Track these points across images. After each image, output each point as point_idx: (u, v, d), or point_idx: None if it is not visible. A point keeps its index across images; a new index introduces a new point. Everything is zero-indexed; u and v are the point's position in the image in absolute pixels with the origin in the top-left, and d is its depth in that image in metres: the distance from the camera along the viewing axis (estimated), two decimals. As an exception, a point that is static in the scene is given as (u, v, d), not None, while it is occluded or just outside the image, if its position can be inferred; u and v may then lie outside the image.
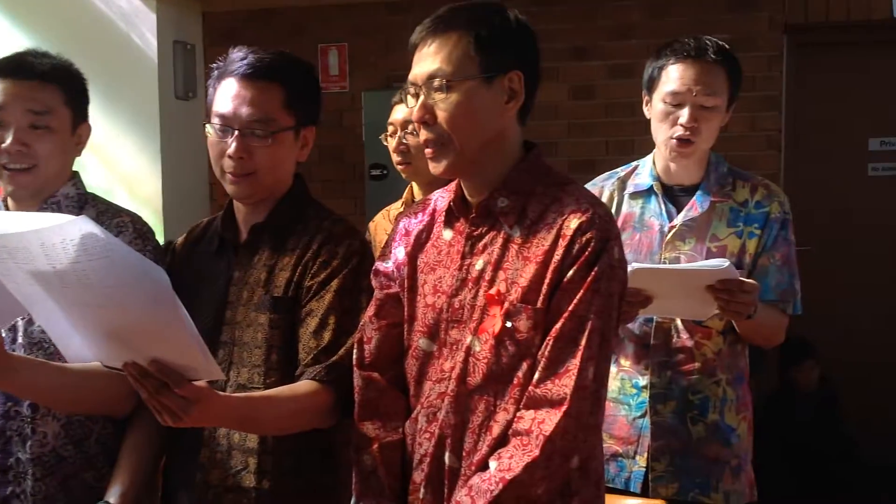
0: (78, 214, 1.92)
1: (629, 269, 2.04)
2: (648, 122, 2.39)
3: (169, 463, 1.95)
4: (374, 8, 5.43)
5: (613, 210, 2.40)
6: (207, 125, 1.89)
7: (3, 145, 1.90)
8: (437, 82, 1.63)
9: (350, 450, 1.82)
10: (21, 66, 1.94)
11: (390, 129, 3.00)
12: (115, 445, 1.97)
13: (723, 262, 2.11)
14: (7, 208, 2.00)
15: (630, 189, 2.41)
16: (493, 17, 1.66)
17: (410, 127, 2.89)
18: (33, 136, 1.92)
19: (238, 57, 1.88)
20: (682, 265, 2.25)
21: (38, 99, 1.93)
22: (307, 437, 1.81)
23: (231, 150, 1.83)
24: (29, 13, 4.77)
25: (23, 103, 1.92)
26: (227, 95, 1.86)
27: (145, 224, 2.02)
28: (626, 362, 2.38)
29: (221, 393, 1.67)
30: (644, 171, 2.42)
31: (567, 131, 5.14)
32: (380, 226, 3.09)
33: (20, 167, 1.92)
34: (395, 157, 2.98)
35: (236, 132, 1.83)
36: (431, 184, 2.87)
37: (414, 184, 3.02)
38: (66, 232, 1.35)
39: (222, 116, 1.85)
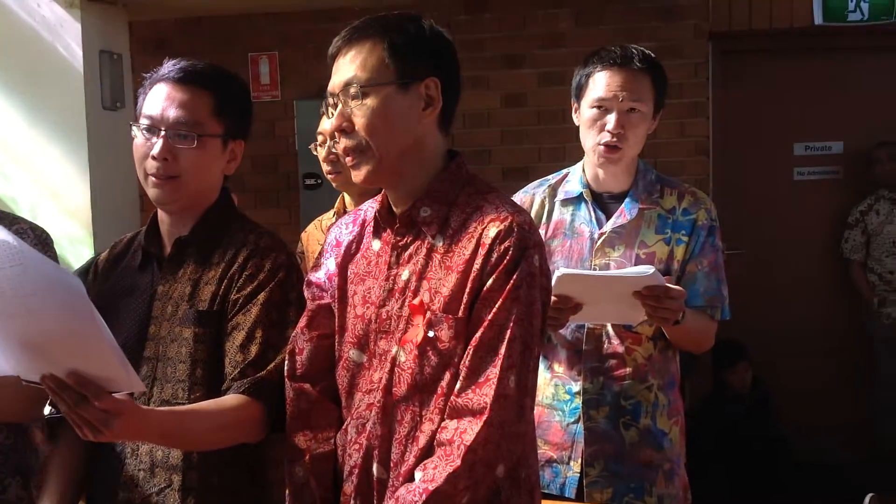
0: None
1: (557, 273, 2.07)
2: (579, 128, 2.42)
3: (90, 480, 1.91)
4: (303, 16, 5.41)
5: (545, 217, 2.41)
6: (134, 127, 1.88)
7: None
8: (352, 89, 1.63)
9: (276, 465, 1.81)
10: None
11: (320, 138, 2.99)
12: (17, 454, 1.97)
13: (648, 269, 2.13)
14: None
15: (561, 196, 2.43)
16: (407, 25, 1.67)
17: (334, 129, 2.88)
18: None
19: (170, 64, 1.89)
20: (609, 272, 2.28)
21: None
22: (234, 453, 1.79)
23: (155, 150, 1.82)
24: (-51, 22, 4.65)
25: None
26: (156, 98, 1.86)
27: (44, 231, 2.02)
28: (559, 368, 2.39)
29: (145, 407, 1.65)
30: (574, 179, 2.44)
31: (500, 139, 5.17)
32: (312, 236, 3.07)
33: None
34: (325, 167, 2.96)
35: (162, 133, 1.82)
36: (362, 194, 2.86)
37: (345, 194, 3.01)
38: None
39: (150, 118, 1.85)
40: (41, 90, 4.55)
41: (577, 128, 2.42)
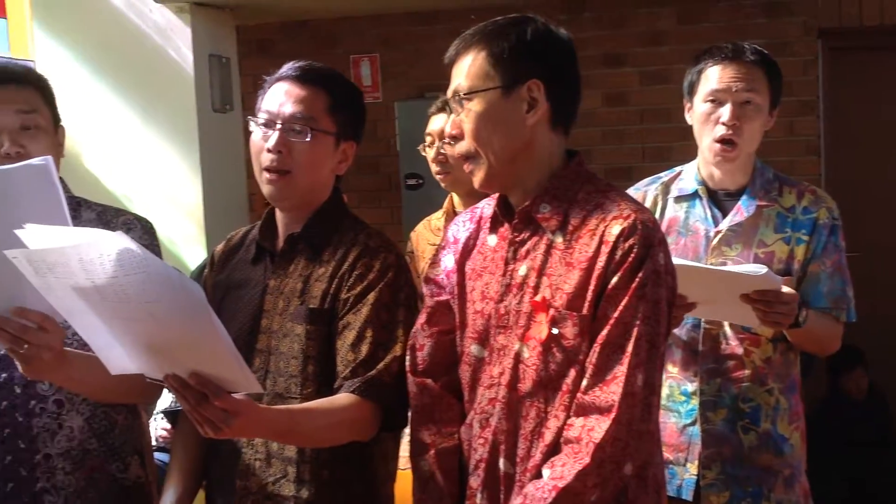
0: (75, 218, 1.97)
1: None
2: (684, 128, 2.39)
3: (210, 468, 1.97)
4: (403, 18, 5.46)
5: (657, 215, 2.39)
6: (252, 122, 1.93)
7: (2, 150, 1.92)
8: (459, 97, 1.68)
9: (385, 460, 1.87)
10: None
11: (428, 139, 3.01)
12: (136, 435, 2.05)
13: (760, 269, 2.08)
14: None
15: (674, 193, 2.40)
16: (509, 30, 1.69)
17: (447, 137, 2.90)
18: (26, 137, 1.95)
19: (291, 64, 1.94)
20: (719, 267, 2.24)
21: (21, 99, 1.97)
22: (344, 448, 1.82)
23: (271, 143, 1.87)
24: (67, 30, 4.83)
25: (9, 105, 1.95)
26: (275, 95, 1.91)
27: (149, 221, 2.10)
28: (673, 369, 2.36)
29: (261, 406, 1.68)
30: (688, 176, 2.41)
31: (601, 138, 5.14)
32: (421, 236, 3.10)
33: None
34: (434, 168, 2.99)
35: (278, 126, 1.87)
36: (471, 193, 2.88)
37: (454, 194, 3.03)
38: (102, 247, 1.37)
39: (268, 112, 1.90)
40: (154, 93, 4.69)
41: (681, 127, 2.39)
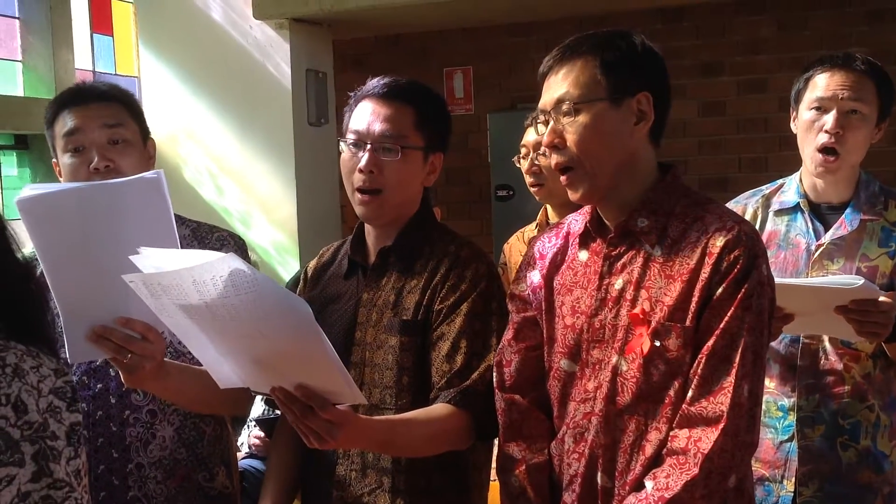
0: None
1: None
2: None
3: (306, 478, 2.01)
4: (496, 31, 5.49)
5: (757, 227, 2.35)
6: (342, 142, 1.96)
7: (91, 164, 1.97)
8: (564, 106, 1.66)
9: (478, 469, 1.87)
10: (83, 92, 2.05)
11: (523, 150, 3.01)
12: (223, 445, 2.09)
13: (856, 280, 2.03)
14: None
15: (775, 206, 2.36)
16: (618, 41, 1.68)
17: (543, 148, 2.90)
18: (114, 151, 1.99)
19: (375, 81, 1.96)
20: (812, 280, 2.19)
21: (108, 114, 2.01)
22: (439, 458, 1.84)
23: (362, 163, 1.89)
24: (171, 47, 5.00)
25: (97, 121, 1.99)
26: (362, 114, 1.93)
27: (241, 238, 2.14)
28: (770, 384, 2.31)
29: (363, 417, 1.71)
30: (790, 189, 2.36)
31: (697, 148, 5.07)
32: (514, 247, 3.10)
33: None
34: (528, 179, 2.98)
35: (368, 146, 1.89)
36: (565, 205, 2.87)
37: (548, 206, 3.02)
38: (215, 269, 1.41)
39: (356, 132, 1.92)
40: (252, 108, 4.82)
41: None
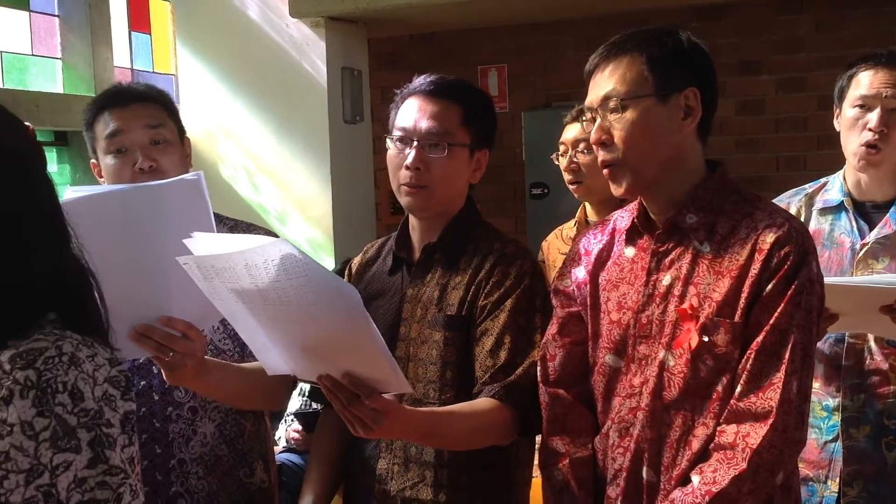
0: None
1: None
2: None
3: (348, 472, 2.02)
4: (532, 29, 5.48)
5: (800, 226, 2.33)
6: (388, 139, 1.96)
7: (135, 165, 1.99)
8: (612, 103, 1.66)
9: (521, 465, 1.87)
10: (122, 94, 2.07)
11: (561, 148, 3.01)
12: (262, 440, 2.10)
13: None
14: None
15: (819, 205, 2.34)
16: (665, 38, 1.68)
17: (581, 146, 2.90)
18: (156, 151, 2.01)
19: (422, 78, 1.97)
20: (855, 279, 2.18)
21: (149, 115, 2.03)
22: (482, 453, 1.84)
23: (409, 160, 1.89)
24: (208, 45, 5.04)
25: (138, 122, 2.01)
26: (409, 111, 1.93)
27: (278, 236, 2.12)
28: (815, 384, 2.28)
29: (408, 407, 1.71)
30: (834, 187, 2.35)
31: (734, 147, 5.04)
32: (553, 245, 3.10)
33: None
34: (567, 177, 2.98)
35: (415, 143, 1.90)
36: (604, 202, 2.86)
37: (586, 203, 3.02)
38: (267, 253, 1.42)
39: (403, 129, 1.92)
40: (288, 106, 4.84)
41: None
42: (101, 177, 2.07)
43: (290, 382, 2.02)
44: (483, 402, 1.80)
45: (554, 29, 5.41)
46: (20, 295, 1.11)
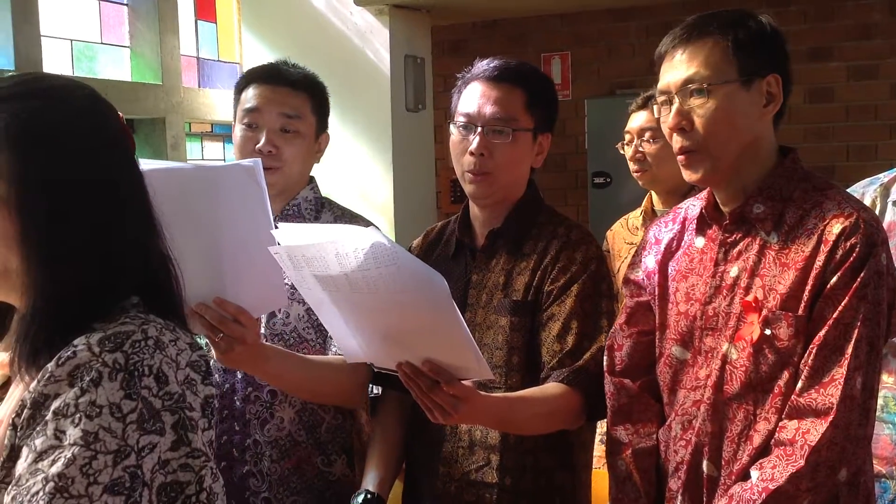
0: (316, 218, 2.07)
1: None
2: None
3: (412, 455, 2.03)
4: (596, 16, 5.43)
5: (875, 218, 2.28)
6: (451, 125, 1.96)
7: (257, 145, 2.02)
8: (694, 87, 1.62)
9: (584, 449, 1.88)
10: (276, 74, 2.08)
11: (627, 137, 2.99)
12: (344, 434, 2.09)
13: None
14: None
15: (895, 195, 2.28)
16: (747, 20, 1.64)
17: (647, 134, 2.87)
18: (283, 139, 2.04)
19: (484, 63, 1.96)
20: None
21: (290, 104, 2.05)
22: (547, 437, 1.86)
23: (473, 146, 1.89)
24: (273, 33, 5.08)
25: (277, 107, 2.04)
26: (472, 96, 1.93)
27: (377, 227, 2.12)
28: (889, 379, 2.24)
29: (484, 393, 1.72)
30: (910, 177, 2.29)
31: (803, 136, 4.94)
32: (618, 234, 3.08)
33: (267, 166, 2.01)
34: (633, 166, 2.96)
35: (479, 129, 1.89)
36: (670, 191, 2.84)
37: (653, 192, 2.99)
38: (357, 241, 1.45)
39: (467, 115, 1.92)
40: (351, 93, 4.86)
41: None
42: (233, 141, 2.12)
43: (364, 383, 2.01)
44: (552, 387, 1.80)
45: (618, 16, 5.35)
46: (110, 281, 1.13)
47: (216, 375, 2.03)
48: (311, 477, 2.05)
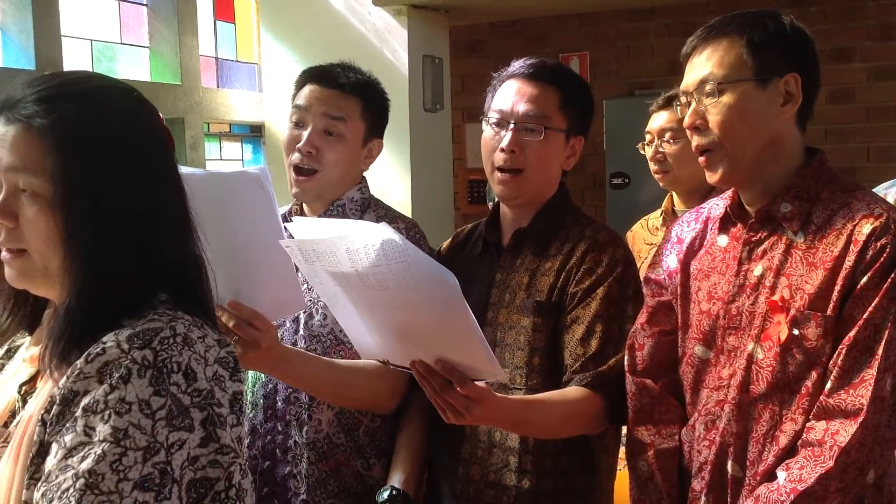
0: (360, 218, 2.04)
1: None
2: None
3: (433, 455, 2.02)
4: (615, 16, 5.41)
5: (899, 218, 2.26)
6: (483, 122, 1.96)
7: (299, 144, 2.02)
8: (708, 87, 1.63)
9: (605, 453, 1.86)
10: (328, 75, 2.07)
11: (647, 137, 2.97)
12: (382, 438, 2.06)
13: None
14: (301, 209, 2.13)
15: (918, 197, 2.27)
16: (765, 21, 1.64)
17: (668, 135, 2.86)
18: (325, 141, 2.02)
19: (521, 62, 1.96)
20: None
21: (337, 105, 2.03)
22: (567, 441, 1.84)
23: (504, 142, 1.89)
24: (292, 32, 5.08)
25: (323, 107, 2.02)
26: (506, 93, 1.93)
27: (420, 231, 2.10)
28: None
29: (499, 395, 1.71)
30: (936, 177, 2.27)
31: (824, 137, 4.91)
32: (638, 235, 3.06)
33: (304, 168, 2.03)
34: (653, 166, 2.95)
35: (511, 126, 1.89)
36: (691, 192, 2.82)
37: (673, 193, 2.98)
38: (368, 237, 1.44)
39: (500, 111, 1.92)
40: (370, 94, 4.85)
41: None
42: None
43: (399, 390, 1.98)
44: (574, 391, 1.79)
45: (637, 16, 5.34)
46: (143, 280, 1.14)
47: (262, 375, 2.03)
48: (349, 480, 2.02)
